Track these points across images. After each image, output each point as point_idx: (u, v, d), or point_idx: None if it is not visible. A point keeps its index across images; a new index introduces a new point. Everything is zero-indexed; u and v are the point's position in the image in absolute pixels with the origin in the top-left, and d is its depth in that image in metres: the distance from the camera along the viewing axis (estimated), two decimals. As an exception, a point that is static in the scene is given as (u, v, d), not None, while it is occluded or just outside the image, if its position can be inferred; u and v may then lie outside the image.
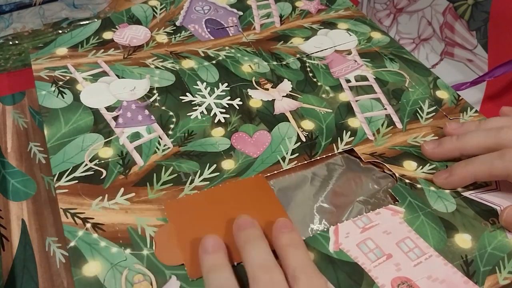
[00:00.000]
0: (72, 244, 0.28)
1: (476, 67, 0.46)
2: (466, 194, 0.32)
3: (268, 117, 0.37)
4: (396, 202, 0.31)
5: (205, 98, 0.38)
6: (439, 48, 0.49)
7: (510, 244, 0.29)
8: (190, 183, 0.32)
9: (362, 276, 0.27)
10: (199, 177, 0.33)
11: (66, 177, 0.32)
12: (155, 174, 0.33)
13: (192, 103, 0.38)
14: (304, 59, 0.43)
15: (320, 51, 0.44)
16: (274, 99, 0.39)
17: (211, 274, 0.25)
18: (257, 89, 0.40)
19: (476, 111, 0.38)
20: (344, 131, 0.36)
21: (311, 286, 0.24)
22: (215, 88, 0.39)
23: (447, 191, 0.32)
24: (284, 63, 0.42)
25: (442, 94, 0.40)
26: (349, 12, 0.49)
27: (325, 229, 0.30)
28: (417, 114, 0.38)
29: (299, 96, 0.39)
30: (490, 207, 0.31)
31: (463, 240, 0.29)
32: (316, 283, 0.25)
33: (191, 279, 0.27)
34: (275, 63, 0.42)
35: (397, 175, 0.33)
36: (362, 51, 0.44)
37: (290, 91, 0.39)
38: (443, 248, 0.29)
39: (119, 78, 0.40)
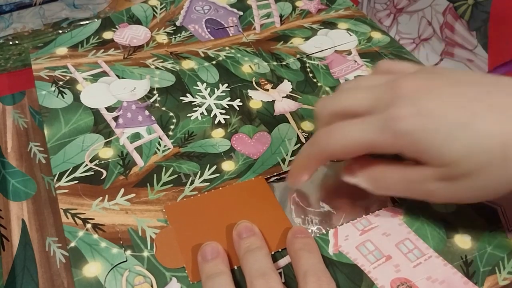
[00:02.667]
0: (72, 244, 0.28)
1: (476, 67, 0.46)
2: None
3: (268, 118, 0.37)
4: (396, 203, 0.31)
5: (205, 99, 0.39)
6: (439, 48, 0.49)
7: (509, 244, 0.29)
8: (190, 184, 0.32)
9: (362, 277, 0.27)
10: (199, 178, 0.33)
11: (67, 177, 0.32)
12: (155, 175, 0.33)
13: (192, 104, 0.38)
14: (304, 59, 0.43)
15: (320, 51, 0.44)
16: (274, 100, 0.39)
17: (209, 282, 0.26)
18: (257, 89, 0.40)
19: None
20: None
21: None
22: (215, 89, 0.39)
23: None
24: (284, 63, 0.42)
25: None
26: (349, 12, 0.49)
27: (325, 232, 0.30)
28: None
29: (299, 96, 0.39)
30: (489, 207, 0.31)
31: (462, 241, 0.29)
32: (324, 286, 0.25)
33: (192, 282, 0.27)
34: (275, 63, 0.42)
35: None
36: (362, 51, 0.44)
37: (290, 92, 0.39)
38: (443, 248, 0.29)
39: (119, 78, 0.40)
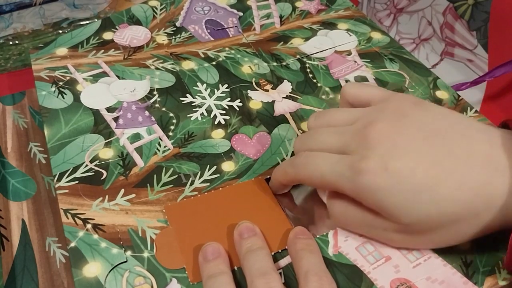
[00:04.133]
0: (72, 244, 0.29)
1: (476, 67, 0.46)
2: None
3: (268, 119, 0.37)
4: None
5: (205, 99, 0.39)
6: (439, 48, 0.49)
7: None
8: (190, 185, 0.32)
9: (361, 278, 0.27)
10: (199, 178, 0.33)
11: (67, 177, 0.32)
12: (155, 175, 0.33)
13: (192, 104, 0.38)
14: (304, 60, 0.43)
15: (320, 51, 0.44)
16: (274, 101, 0.39)
17: (210, 282, 0.26)
18: (257, 90, 0.40)
19: (476, 111, 0.38)
20: (344, 132, 0.36)
21: None
22: (215, 89, 0.39)
23: None
24: (284, 64, 0.42)
25: (442, 94, 0.40)
26: (349, 12, 0.49)
27: (324, 233, 0.30)
28: (417, 115, 0.38)
29: (299, 97, 0.39)
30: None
31: (462, 241, 0.29)
32: (326, 287, 0.25)
33: (192, 283, 0.27)
34: (275, 64, 0.42)
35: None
36: (362, 52, 0.44)
37: (290, 92, 0.39)
38: (442, 249, 0.29)
39: (119, 79, 0.40)
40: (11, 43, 0.49)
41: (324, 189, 0.29)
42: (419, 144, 0.25)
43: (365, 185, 0.25)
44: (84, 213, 0.30)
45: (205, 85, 0.40)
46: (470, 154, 0.25)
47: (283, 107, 0.38)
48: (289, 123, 0.37)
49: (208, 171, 0.33)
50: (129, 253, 0.28)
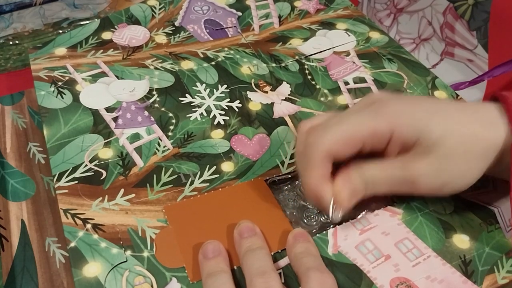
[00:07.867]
0: (72, 244, 0.29)
1: (477, 67, 0.46)
2: (464, 195, 0.32)
3: (268, 121, 0.37)
4: (394, 203, 0.31)
5: (205, 99, 0.39)
6: (439, 48, 0.49)
7: (508, 244, 0.29)
8: (190, 185, 0.32)
9: (361, 277, 0.27)
10: (199, 178, 0.33)
11: (66, 177, 0.32)
12: (155, 175, 0.33)
13: (192, 104, 0.38)
14: (303, 61, 0.43)
15: (319, 52, 0.44)
16: (273, 103, 0.39)
17: (209, 280, 0.26)
18: (256, 91, 0.40)
19: (474, 112, 0.38)
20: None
21: (323, 282, 0.25)
22: (215, 90, 0.39)
23: None
24: (283, 65, 0.42)
25: (440, 94, 0.40)
26: (348, 12, 0.49)
27: (324, 232, 0.30)
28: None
29: (297, 99, 0.39)
30: (487, 208, 0.31)
31: (461, 241, 0.29)
32: (328, 281, 0.25)
33: (192, 282, 0.27)
34: (274, 65, 0.42)
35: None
36: (360, 52, 0.44)
37: (289, 95, 0.39)
38: (442, 248, 0.29)
39: (118, 79, 0.40)
40: (11, 43, 0.49)
41: (355, 147, 0.28)
42: (411, 101, 0.29)
43: (391, 112, 0.28)
44: (84, 213, 0.30)
45: (204, 85, 0.40)
46: (461, 107, 0.29)
47: (282, 109, 0.38)
48: (288, 125, 0.37)
49: (208, 171, 0.33)
50: (129, 252, 0.28)
